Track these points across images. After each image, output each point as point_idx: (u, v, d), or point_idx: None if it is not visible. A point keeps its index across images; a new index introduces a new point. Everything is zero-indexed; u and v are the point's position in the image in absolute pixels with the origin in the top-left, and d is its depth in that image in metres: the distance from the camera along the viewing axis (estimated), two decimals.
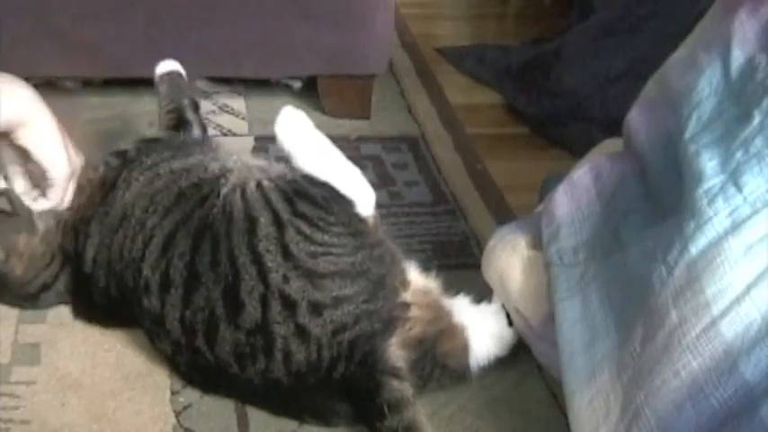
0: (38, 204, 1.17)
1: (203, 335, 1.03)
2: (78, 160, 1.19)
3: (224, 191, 1.10)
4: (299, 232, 1.03)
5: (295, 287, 1.00)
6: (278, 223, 1.04)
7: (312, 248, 1.03)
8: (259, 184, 1.09)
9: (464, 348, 1.09)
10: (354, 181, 1.12)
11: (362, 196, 1.11)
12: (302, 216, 1.05)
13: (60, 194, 1.17)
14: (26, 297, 1.19)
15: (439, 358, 1.07)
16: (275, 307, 1.00)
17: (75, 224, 1.18)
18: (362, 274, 1.03)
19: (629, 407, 0.87)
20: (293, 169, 1.13)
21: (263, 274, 1.01)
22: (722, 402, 0.81)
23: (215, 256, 1.04)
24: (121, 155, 1.25)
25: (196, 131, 1.35)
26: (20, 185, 1.16)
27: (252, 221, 1.04)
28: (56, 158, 1.13)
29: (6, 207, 1.15)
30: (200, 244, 1.06)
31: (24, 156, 1.13)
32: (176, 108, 1.36)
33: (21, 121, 1.10)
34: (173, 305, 1.05)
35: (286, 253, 1.02)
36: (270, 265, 1.01)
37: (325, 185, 1.10)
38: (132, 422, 1.05)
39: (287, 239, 1.02)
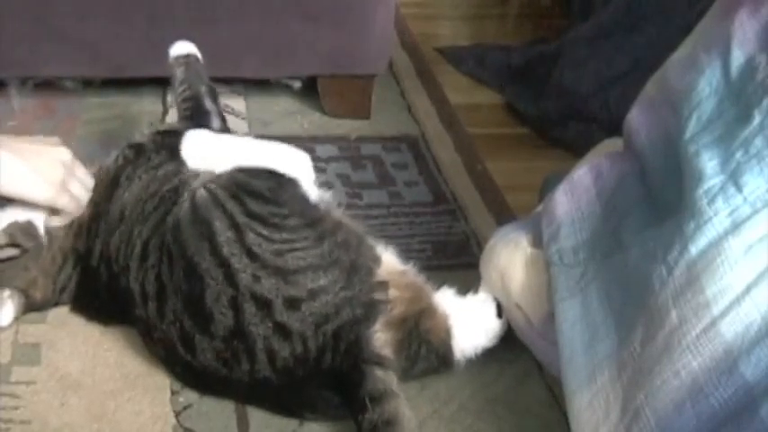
0: (58, 220, 1.17)
1: (182, 346, 1.03)
2: (58, 167, 1.15)
3: (185, 195, 1.09)
4: (258, 234, 1.02)
5: (267, 286, 1.00)
6: (235, 227, 1.03)
7: (275, 247, 1.02)
8: (206, 187, 1.07)
9: (446, 329, 1.09)
10: (284, 156, 1.11)
11: (298, 164, 1.10)
12: (255, 216, 1.04)
13: (66, 201, 1.16)
14: (52, 305, 1.18)
15: (422, 335, 1.07)
16: (248, 309, 0.99)
17: (88, 223, 1.18)
18: (334, 264, 1.03)
19: (629, 407, 0.87)
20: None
21: (231, 277, 1.00)
22: (722, 402, 0.81)
23: (171, 266, 1.04)
24: (138, 147, 1.22)
25: (215, 123, 1.30)
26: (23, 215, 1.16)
27: (206, 226, 1.03)
28: (32, 190, 1.12)
29: (11, 253, 1.14)
30: (164, 253, 1.05)
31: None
32: (193, 96, 1.31)
33: None
34: (153, 317, 1.05)
35: (251, 254, 1.01)
36: (237, 266, 1.00)
37: (264, 174, 1.09)
38: (132, 422, 1.05)
39: (248, 242, 1.02)
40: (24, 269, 1.14)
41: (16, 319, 1.14)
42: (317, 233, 1.05)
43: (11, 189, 1.11)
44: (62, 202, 1.16)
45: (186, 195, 1.09)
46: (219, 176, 1.10)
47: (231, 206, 1.04)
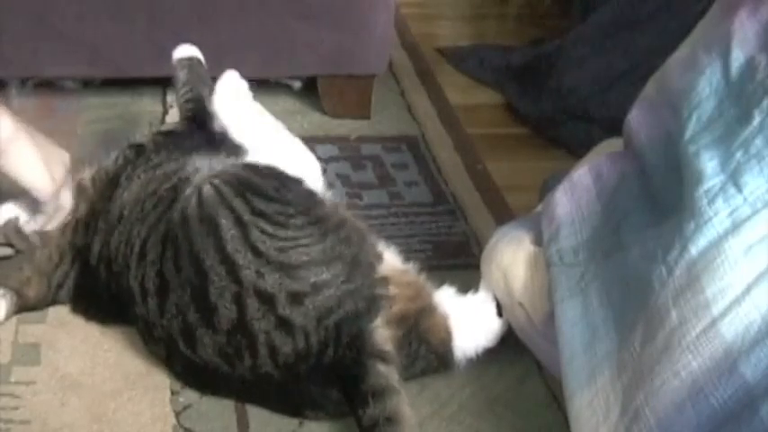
0: (30, 225, 1.17)
1: (183, 341, 1.03)
2: (62, 169, 1.18)
3: (186, 192, 1.09)
4: (263, 232, 1.03)
5: (270, 281, 1.00)
6: (240, 224, 1.03)
7: (280, 244, 1.02)
8: (212, 183, 1.08)
9: (446, 328, 1.09)
10: (296, 153, 1.12)
11: (307, 166, 1.11)
12: (261, 215, 1.04)
13: (50, 210, 1.17)
14: (47, 304, 1.19)
15: (422, 334, 1.07)
16: (252, 304, 1.00)
17: (87, 219, 1.18)
18: (336, 258, 1.03)
19: (629, 407, 0.87)
20: (236, 160, 1.13)
21: (234, 274, 1.01)
22: (722, 402, 0.81)
23: (177, 261, 1.04)
24: (138, 148, 1.23)
25: (217, 123, 1.29)
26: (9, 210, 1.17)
27: (211, 224, 1.03)
28: (38, 179, 1.14)
29: (5, 252, 1.14)
30: (166, 250, 1.06)
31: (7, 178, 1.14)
32: (195, 98, 1.32)
33: (1, 149, 1.10)
34: (154, 313, 1.06)
35: (255, 251, 1.01)
36: (241, 263, 1.01)
37: (270, 173, 1.09)
38: (132, 422, 1.05)
39: (252, 239, 1.02)
40: (18, 269, 1.14)
41: (9, 317, 1.14)
42: (321, 230, 1.05)
43: (19, 173, 1.12)
44: (60, 201, 1.17)
45: (190, 191, 1.09)
46: (224, 172, 1.10)
47: (237, 204, 1.05)
